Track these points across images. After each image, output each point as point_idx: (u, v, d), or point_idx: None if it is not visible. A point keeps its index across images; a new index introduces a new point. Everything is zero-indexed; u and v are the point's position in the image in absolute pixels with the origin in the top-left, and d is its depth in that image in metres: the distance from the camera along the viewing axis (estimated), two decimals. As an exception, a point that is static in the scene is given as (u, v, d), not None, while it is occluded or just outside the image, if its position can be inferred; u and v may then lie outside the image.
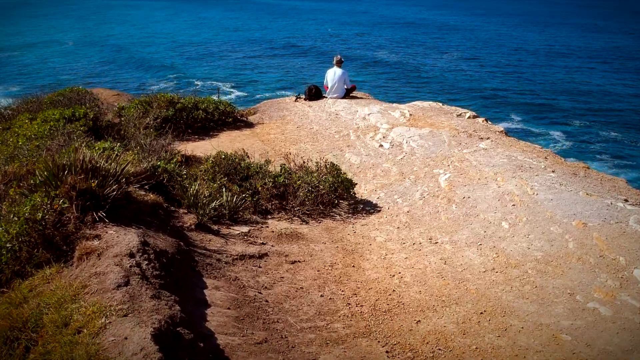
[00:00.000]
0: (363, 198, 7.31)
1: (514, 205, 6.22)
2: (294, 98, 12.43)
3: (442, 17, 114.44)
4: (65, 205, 4.83)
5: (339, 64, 12.08)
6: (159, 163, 6.50)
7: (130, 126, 8.75)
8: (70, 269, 4.37)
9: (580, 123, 56.15)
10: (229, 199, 6.16)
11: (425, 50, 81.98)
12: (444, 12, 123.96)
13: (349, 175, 8.01)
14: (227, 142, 9.88)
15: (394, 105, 10.86)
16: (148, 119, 9.78)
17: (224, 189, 6.35)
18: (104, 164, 5.30)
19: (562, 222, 5.72)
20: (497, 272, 5.19)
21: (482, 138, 8.46)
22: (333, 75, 11.99)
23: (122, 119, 9.94)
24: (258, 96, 60.27)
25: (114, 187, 5.12)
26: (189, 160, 8.64)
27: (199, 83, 63.37)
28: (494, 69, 74.20)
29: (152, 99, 10.22)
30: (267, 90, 62.39)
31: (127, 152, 6.88)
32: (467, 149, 8.00)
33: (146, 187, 6.18)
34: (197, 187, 6.21)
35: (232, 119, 10.82)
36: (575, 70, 74.02)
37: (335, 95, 12.09)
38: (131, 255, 4.36)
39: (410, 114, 9.87)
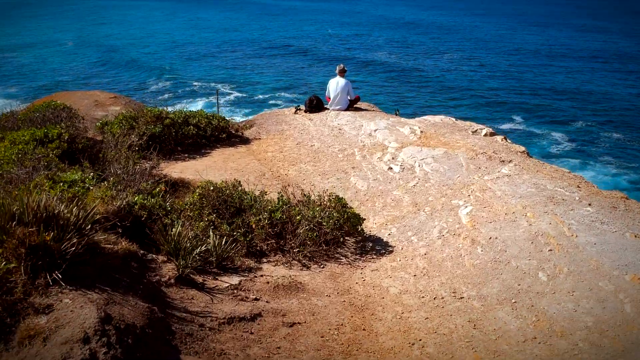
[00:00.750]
0: (372, 234, 6.35)
1: (550, 250, 5.26)
2: (294, 109, 11.47)
3: (441, 17, 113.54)
4: (12, 266, 3.87)
5: (342, 73, 11.11)
6: (136, 199, 5.54)
7: (111, 147, 7.78)
8: (9, 355, 3.42)
9: (582, 124, 55.21)
10: (216, 243, 5.20)
11: (425, 51, 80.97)
12: (443, 12, 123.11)
13: (355, 204, 7.06)
14: (220, 162, 8.92)
15: (403, 120, 9.88)
16: (133, 136, 8.82)
17: (211, 231, 5.38)
18: (63, 211, 4.32)
19: (612, 275, 4.76)
20: (539, 342, 4.23)
21: (503, 161, 7.49)
22: (335, 85, 11.02)
23: (105, 136, 8.98)
24: (257, 97, 59.31)
25: (75, 240, 4.15)
26: (176, 186, 7.68)
27: (197, 84, 62.38)
28: (494, 69, 73.21)
29: (137, 114, 9.25)
30: (267, 91, 61.41)
31: (101, 185, 5.93)
32: (488, 175, 7.04)
33: (120, 229, 5.25)
34: (179, 228, 5.25)
35: (226, 135, 9.85)
36: (576, 71, 73.06)
37: (337, 107, 11.13)
38: (86, 340, 3.39)
39: (421, 131, 8.90)
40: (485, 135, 8.91)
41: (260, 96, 59.79)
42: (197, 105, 57.11)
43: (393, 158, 8.09)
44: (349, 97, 11.14)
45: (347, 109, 11.15)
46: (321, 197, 6.24)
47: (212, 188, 6.10)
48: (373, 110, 11.35)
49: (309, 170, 8.35)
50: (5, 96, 57.80)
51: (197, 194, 6.09)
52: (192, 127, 9.38)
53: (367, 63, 73.57)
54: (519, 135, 52.20)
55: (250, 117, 11.80)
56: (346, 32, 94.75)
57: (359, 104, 11.58)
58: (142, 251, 5.12)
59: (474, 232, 5.84)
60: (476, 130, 9.04)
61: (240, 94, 60.24)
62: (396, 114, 31.28)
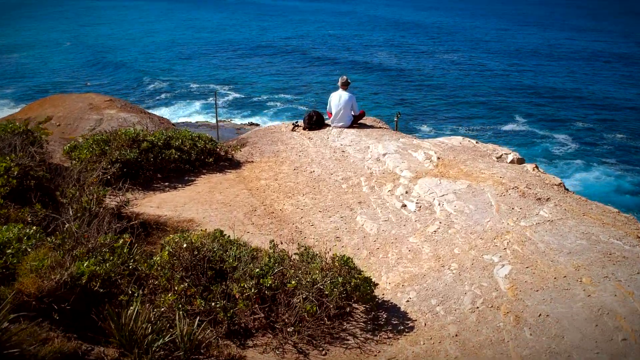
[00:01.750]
0: (386, 299, 5.05)
1: (624, 339, 3.96)
2: (291, 126, 10.14)
3: (441, 18, 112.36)
4: None
5: (345, 86, 9.79)
6: (84, 266, 4.23)
7: (73, 180, 6.45)
8: None
9: (584, 125, 53.90)
10: (185, 332, 3.89)
11: (426, 51, 79.53)
12: (443, 13, 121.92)
13: (364, 254, 5.76)
14: (205, 192, 7.60)
15: (415, 142, 8.54)
16: (104, 162, 7.51)
17: (179, 312, 4.07)
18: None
19: None
20: None
21: (540, 199, 6.18)
22: (338, 99, 9.70)
23: (72, 163, 7.67)
24: (256, 98, 57.95)
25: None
26: (150, 227, 6.37)
27: (194, 85, 61.00)
28: (495, 69, 71.81)
29: (111, 137, 7.92)
30: (265, 92, 60.04)
31: (45, 243, 4.62)
32: (524, 220, 5.72)
33: (57, 314, 3.98)
34: (136, 308, 3.94)
35: (213, 158, 8.52)
36: (577, 72, 71.69)
37: (340, 124, 9.81)
38: None
39: (438, 158, 7.58)
40: (512, 162, 7.60)
41: (259, 97, 58.42)
42: (195, 107, 55.81)
43: (407, 192, 6.78)
44: (352, 113, 9.83)
45: (350, 126, 9.84)
46: (322, 255, 4.93)
47: (185, 245, 4.78)
48: (380, 127, 10.03)
49: (307, 205, 7.04)
50: (1, 96, 56.46)
51: (167, 252, 4.78)
52: (174, 150, 8.06)
53: (367, 63, 72.20)
54: (521, 136, 50.95)
55: (243, 135, 10.47)
56: (346, 32, 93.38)
57: (364, 120, 10.27)
58: (85, 346, 3.81)
59: (518, 304, 4.53)
60: (501, 155, 7.73)
61: (238, 95, 58.85)
62: (397, 117, 29.54)
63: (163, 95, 57.33)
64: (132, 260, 4.87)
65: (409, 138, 8.98)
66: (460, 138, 8.43)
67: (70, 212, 5.71)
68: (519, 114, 55.03)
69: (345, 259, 4.80)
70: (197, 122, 53.90)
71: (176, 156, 8.05)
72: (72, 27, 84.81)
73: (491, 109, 57.19)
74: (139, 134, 7.94)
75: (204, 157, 8.36)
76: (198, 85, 60.12)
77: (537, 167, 7.21)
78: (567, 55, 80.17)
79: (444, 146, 8.07)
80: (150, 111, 51.89)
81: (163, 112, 53.42)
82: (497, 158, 7.65)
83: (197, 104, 55.53)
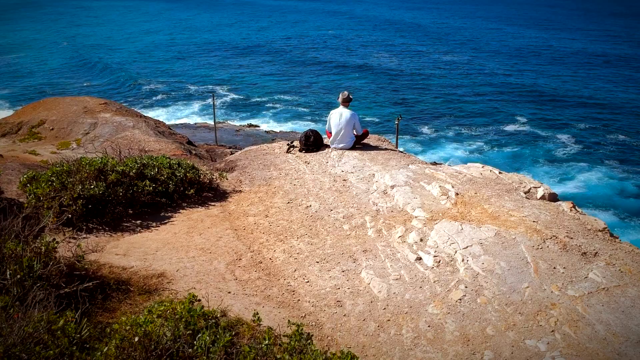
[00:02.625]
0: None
1: None
2: (286, 147, 8.93)
3: (441, 19, 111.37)
4: None
5: (347, 102, 8.57)
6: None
7: (17, 229, 5.24)
8: None
9: (586, 126, 52.72)
10: None
11: (426, 52, 78.22)
12: (442, 14, 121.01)
13: (371, 327, 4.56)
14: (182, 234, 6.39)
15: (428, 171, 7.30)
16: (65, 198, 6.30)
17: None
18: None
19: None
20: None
21: (585, 253, 4.98)
22: (338, 118, 8.49)
23: (28, 198, 6.46)
24: (255, 99, 56.72)
25: None
26: (108, 289, 5.17)
27: (192, 86, 59.73)
28: (497, 70, 70.52)
29: (74, 167, 6.69)
30: (265, 94, 58.81)
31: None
32: (572, 287, 4.52)
33: None
34: None
35: (196, 189, 7.31)
36: (579, 73, 70.43)
37: (341, 146, 8.60)
38: None
39: (457, 193, 6.37)
40: (543, 198, 6.39)
41: (258, 98, 57.18)
42: (193, 108, 54.59)
43: (422, 240, 5.57)
44: (354, 133, 8.62)
45: (352, 148, 8.63)
46: (321, 349, 3.73)
47: (137, 339, 3.59)
48: (385, 149, 8.81)
49: (302, 252, 5.83)
50: (-2, 98, 55.07)
51: (114, 346, 3.58)
52: (148, 182, 6.84)
53: (367, 64, 70.94)
54: (524, 136, 49.75)
55: (232, 156, 9.25)
56: (346, 32, 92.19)
57: (367, 139, 9.06)
58: None
59: None
60: (529, 189, 6.51)
61: (237, 96, 57.59)
62: (398, 120, 28.02)
63: (160, 97, 56.03)
64: (74, 347, 3.68)
65: (420, 164, 7.75)
66: (479, 166, 7.21)
67: (8, 275, 4.53)
68: (520, 115, 53.75)
69: (350, 357, 3.58)
70: (195, 123, 52.69)
71: (151, 188, 6.83)
72: (70, 27, 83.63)
73: (492, 109, 55.89)
74: (106, 163, 6.72)
75: (183, 188, 7.14)
76: (196, 87, 58.78)
77: (574, 206, 6.00)
78: (568, 56, 78.93)
79: (462, 177, 6.85)
80: (147, 113, 50.70)
81: (161, 113, 52.18)
82: (525, 193, 6.44)
83: (196, 105, 54.21)
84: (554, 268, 4.79)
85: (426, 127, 49.78)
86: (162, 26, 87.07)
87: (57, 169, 6.61)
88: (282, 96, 57.45)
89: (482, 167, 7.11)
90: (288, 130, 49.17)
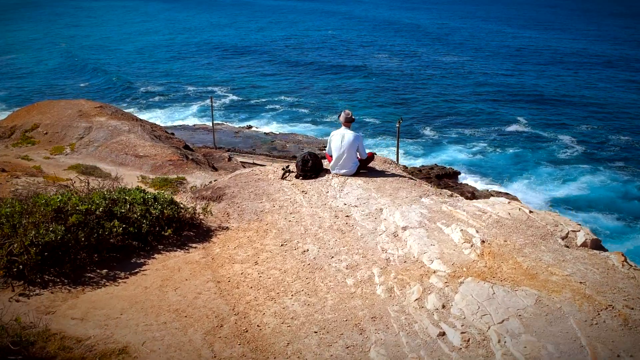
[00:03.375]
0: None
1: None
2: (281, 172, 7.83)
3: (440, 19, 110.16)
4: None
5: (349, 122, 7.46)
6: None
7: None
8: None
9: (588, 127, 51.55)
10: None
11: (427, 53, 77.09)
12: (443, 15, 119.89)
13: None
14: (154, 289, 5.29)
15: (445, 208, 6.17)
16: (15, 246, 5.21)
17: None
18: None
19: None
20: None
21: (654, 333, 3.89)
22: (340, 140, 7.38)
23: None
24: (254, 101, 55.51)
25: None
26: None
27: (191, 88, 58.52)
28: (497, 71, 69.44)
29: (28, 207, 5.59)
30: (264, 95, 57.63)
31: None
32: (648, 389, 3.43)
33: None
34: None
35: (174, 228, 6.21)
36: (580, 74, 69.33)
37: (343, 172, 7.50)
38: None
39: (482, 241, 5.27)
40: (584, 245, 5.29)
41: (257, 100, 56.00)
42: (192, 110, 53.43)
43: (444, 306, 4.47)
44: (358, 157, 7.52)
45: (356, 173, 7.54)
46: None
47: None
48: (393, 175, 7.70)
49: (297, 316, 4.73)
50: (-6, 99, 53.90)
51: None
52: (117, 222, 5.75)
53: (368, 65, 69.83)
54: (525, 137, 48.60)
55: (220, 183, 8.13)
56: (346, 33, 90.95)
57: (373, 162, 7.96)
58: None
59: None
60: (567, 234, 5.41)
61: (236, 98, 56.41)
62: (399, 123, 26.74)
63: (158, 98, 54.87)
64: None
65: (434, 197, 6.63)
66: (505, 202, 6.10)
67: None
68: (521, 116, 52.64)
69: None
70: (194, 125, 51.63)
71: (120, 230, 5.74)
72: (68, 28, 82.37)
73: (494, 110, 54.78)
74: (66, 202, 5.61)
75: (159, 228, 6.04)
76: (195, 88, 57.58)
77: (626, 259, 4.90)
78: (569, 57, 77.80)
79: (487, 218, 5.73)
80: (145, 114, 49.58)
81: (159, 114, 51.04)
82: (563, 239, 5.34)
83: (194, 107, 53.01)
84: (618, 356, 3.70)
85: (427, 128, 48.57)
86: (160, 26, 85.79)
87: (8, 210, 5.50)
88: (281, 97, 56.20)
89: (509, 203, 6.00)
90: (287, 132, 48.01)
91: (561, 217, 5.75)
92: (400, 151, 43.23)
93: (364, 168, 7.61)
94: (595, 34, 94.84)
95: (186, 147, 29.34)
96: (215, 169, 26.09)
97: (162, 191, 6.40)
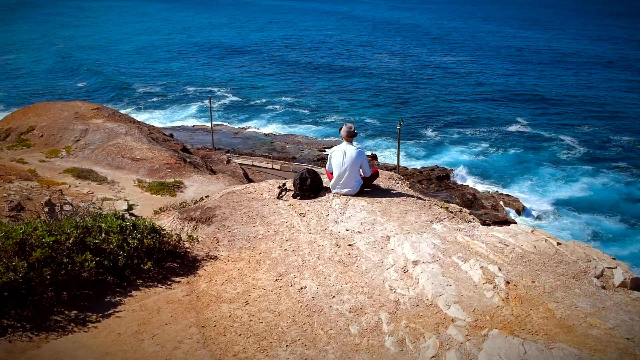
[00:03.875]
0: None
1: None
2: (277, 190, 7.10)
3: (440, 20, 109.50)
4: None
5: (351, 137, 6.72)
6: None
7: None
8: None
9: (590, 128, 50.70)
10: None
11: (427, 53, 76.25)
12: (443, 14, 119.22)
13: None
14: (129, 335, 4.56)
15: (461, 238, 5.42)
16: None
17: None
18: None
19: None
20: None
21: None
22: (342, 157, 6.64)
23: None
24: (254, 102, 54.72)
25: None
26: None
27: (190, 89, 57.67)
28: (498, 71, 68.66)
29: (-15, 240, 4.86)
30: (264, 95, 56.82)
31: None
32: None
33: None
34: None
35: (155, 259, 5.48)
36: (581, 74, 68.56)
37: (345, 191, 6.76)
38: None
39: (507, 281, 4.54)
40: (623, 285, 4.57)
41: (257, 100, 55.19)
42: (191, 110, 52.61)
43: (466, 368, 3.75)
44: (361, 174, 6.79)
45: (359, 192, 6.81)
46: None
47: None
48: (399, 195, 6.96)
49: (293, 375, 4.01)
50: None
51: None
52: (89, 255, 5.02)
53: (369, 66, 68.99)
54: (527, 138, 47.75)
55: (210, 203, 7.38)
56: (346, 33, 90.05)
57: (378, 179, 7.23)
58: None
59: None
60: (602, 271, 4.68)
61: (236, 98, 55.61)
62: (400, 124, 25.93)
63: (157, 99, 54.06)
64: None
65: (447, 223, 5.89)
66: (528, 231, 5.36)
67: None
68: (522, 117, 51.90)
69: None
70: (194, 125, 50.80)
71: (93, 264, 5.01)
72: (68, 28, 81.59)
73: (494, 110, 54.05)
74: (31, 233, 4.89)
75: (138, 260, 5.31)
76: (194, 88, 56.79)
77: (676, 305, 4.16)
78: (570, 58, 76.97)
79: (510, 252, 4.99)
80: (144, 115, 48.71)
81: (158, 115, 50.25)
82: (598, 277, 4.62)
83: (194, 107, 52.23)
84: None
85: (429, 129, 47.87)
86: (160, 26, 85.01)
87: (-38, 244, 4.77)
88: (281, 98, 55.43)
89: (532, 231, 5.27)
90: (287, 133, 47.25)
91: (593, 249, 5.02)
92: (402, 152, 42.56)
93: (368, 186, 6.88)
94: (596, 34, 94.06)
95: (184, 149, 28.58)
96: (213, 172, 25.33)
97: (143, 220, 5.65)
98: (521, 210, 33.58)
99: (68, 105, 35.06)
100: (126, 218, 5.55)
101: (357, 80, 60.73)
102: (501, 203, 34.17)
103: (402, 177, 7.45)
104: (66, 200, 19.07)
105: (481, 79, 63.60)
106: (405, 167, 38.63)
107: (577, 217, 32.84)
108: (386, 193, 6.95)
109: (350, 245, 5.65)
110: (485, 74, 65.50)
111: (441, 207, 6.28)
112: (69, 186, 21.99)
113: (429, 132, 47.55)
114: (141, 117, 43.11)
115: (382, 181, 7.33)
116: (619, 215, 36.34)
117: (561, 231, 30.14)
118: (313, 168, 7.35)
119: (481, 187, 37.33)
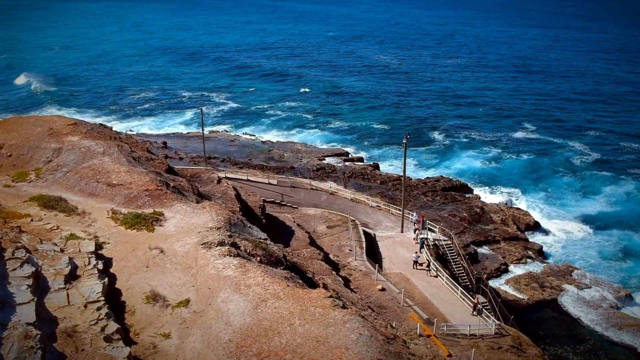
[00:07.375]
0: None
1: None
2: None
3: (443, 21, 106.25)
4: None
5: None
6: None
7: None
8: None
9: (596, 134, 46.85)
10: None
11: (430, 56, 72.99)
12: (443, 14, 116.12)
13: None
14: None
15: None
16: None
17: None
18: None
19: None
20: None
21: None
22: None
23: None
24: (254, 107, 51.20)
25: None
26: None
27: (186, 94, 54.16)
28: (503, 75, 65.45)
29: None
30: (265, 101, 53.43)
31: None
32: None
33: None
34: None
35: None
36: (585, 78, 65.39)
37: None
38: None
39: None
40: None
41: (257, 106, 51.73)
42: (186, 116, 49.01)
43: None
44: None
45: None
46: None
47: None
48: None
49: None
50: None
51: None
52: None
53: (369, 66, 65.71)
54: (537, 142, 44.01)
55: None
56: (346, 34, 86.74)
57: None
58: None
59: None
60: None
61: (235, 105, 52.20)
62: (406, 138, 22.09)
63: (150, 105, 50.75)
64: None
65: None
66: None
67: None
68: (528, 121, 48.33)
69: None
70: (188, 133, 47.16)
71: None
72: (62, 31, 78.55)
73: (500, 114, 50.58)
74: None
75: None
76: (190, 94, 53.46)
77: None
78: (573, 58, 73.62)
79: None
80: (136, 122, 44.72)
81: (151, 122, 46.86)
82: None
83: (189, 113, 48.87)
84: None
85: (436, 132, 44.48)
86: (154, 29, 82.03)
87: None
88: (280, 103, 52.03)
89: None
90: (285, 141, 43.86)
91: None
92: (413, 161, 39.25)
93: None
94: (602, 36, 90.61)
95: (169, 170, 25.12)
96: (200, 197, 21.92)
97: None
98: (533, 226, 30.03)
99: (42, 119, 31.20)
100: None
101: (359, 83, 57.29)
102: (510, 218, 30.66)
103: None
104: (21, 242, 15.47)
105: (487, 82, 60.27)
106: (409, 177, 35.32)
107: (609, 234, 29.34)
108: None
109: None
110: (490, 78, 62.09)
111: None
112: (31, 219, 18.28)
113: (438, 136, 44.29)
114: (133, 124, 39.82)
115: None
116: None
117: (588, 249, 26.76)
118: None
119: (493, 198, 33.95)
